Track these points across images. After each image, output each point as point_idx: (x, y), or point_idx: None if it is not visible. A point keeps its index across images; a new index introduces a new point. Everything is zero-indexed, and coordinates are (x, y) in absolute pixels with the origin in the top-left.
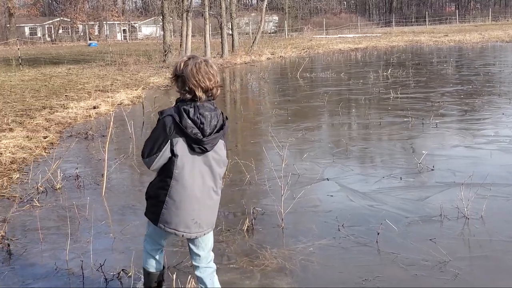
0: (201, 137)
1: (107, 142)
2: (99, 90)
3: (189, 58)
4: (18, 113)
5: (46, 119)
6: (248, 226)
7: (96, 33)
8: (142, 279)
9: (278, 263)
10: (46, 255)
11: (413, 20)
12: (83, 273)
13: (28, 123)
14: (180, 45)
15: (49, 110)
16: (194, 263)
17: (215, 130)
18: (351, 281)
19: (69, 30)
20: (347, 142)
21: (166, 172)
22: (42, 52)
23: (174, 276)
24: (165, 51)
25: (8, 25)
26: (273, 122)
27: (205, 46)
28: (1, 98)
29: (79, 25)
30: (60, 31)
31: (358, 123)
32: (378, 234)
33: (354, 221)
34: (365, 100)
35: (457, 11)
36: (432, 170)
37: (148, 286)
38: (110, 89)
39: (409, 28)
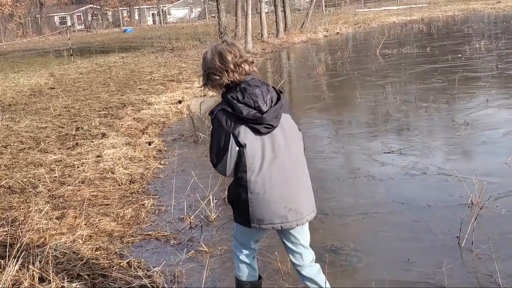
0: (260, 114)
1: None
2: (171, 81)
3: (206, 52)
4: (101, 113)
5: (134, 118)
6: None
7: (126, 18)
8: None
9: None
10: None
11: None
12: None
13: (120, 125)
14: (236, 26)
15: (132, 108)
16: (296, 262)
17: (272, 104)
18: None
19: (100, 17)
20: None
21: (240, 167)
22: (80, 41)
23: None
24: (221, 33)
25: (39, 16)
26: (408, 111)
27: (261, 26)
28: (71, 95)
29: (109, 12)
30: (89, 18)
31: None
32: None
33: None
34: (492, 78)
35: None
36: None
37: None
38: (183, 78)
39: None
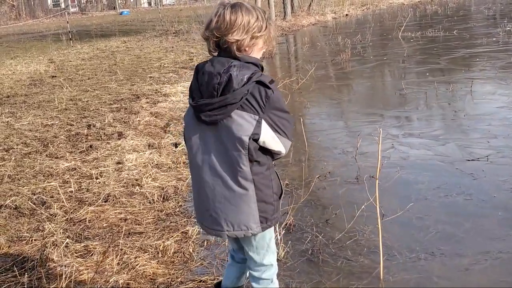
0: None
1: (378, 166)
2: (183, 68)
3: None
4: (112, 106)
5: (152, 113)
6: None
7: (121, 0)
8: None
9: None
10: None
11: None
12: None
13: (137, 122)
14: None
15: (147, 100)
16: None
17: (217, 94)
18: None
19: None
20: None
21: None
22: (77, 24)
23: None
24: None
25: None
26: (471, 105)
27: (269, 7)
28: (75, 85)
29: None
30: (83, 0)
31: None
32: None
33: None
34: None
35: None
36: None
37: None
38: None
39: None
